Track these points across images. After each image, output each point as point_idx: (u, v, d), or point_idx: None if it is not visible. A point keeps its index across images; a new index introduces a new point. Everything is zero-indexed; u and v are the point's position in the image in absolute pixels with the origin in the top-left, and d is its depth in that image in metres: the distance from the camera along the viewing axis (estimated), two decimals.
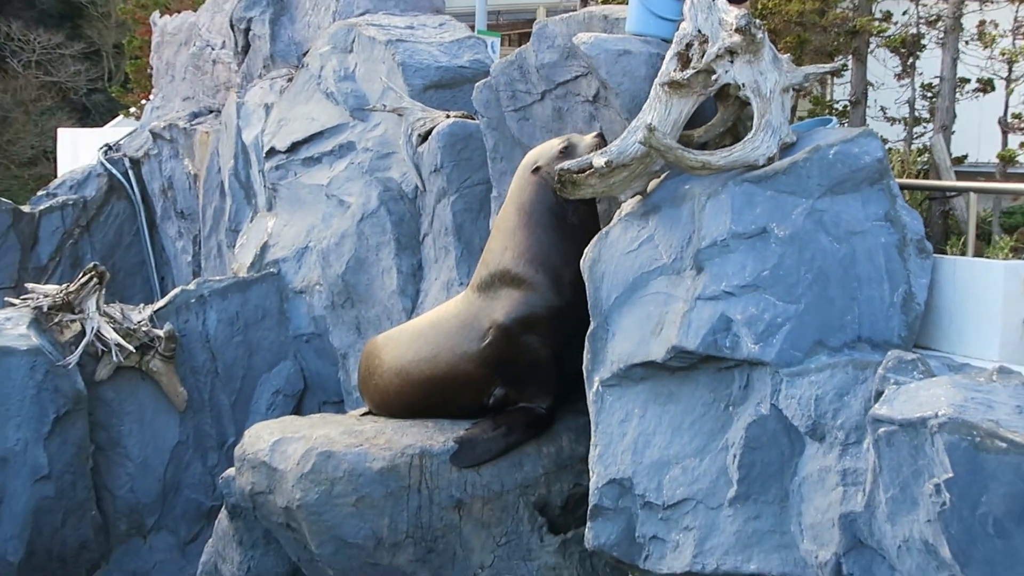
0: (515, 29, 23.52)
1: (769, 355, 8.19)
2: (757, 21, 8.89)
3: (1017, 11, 11.02)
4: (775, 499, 8.20)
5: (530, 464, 10.38)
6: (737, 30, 8.76)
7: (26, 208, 19.69)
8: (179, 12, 22.27)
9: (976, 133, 11.96)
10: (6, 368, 13.14)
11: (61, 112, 41.13)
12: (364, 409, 11.61)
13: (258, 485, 10.72)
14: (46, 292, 14.11)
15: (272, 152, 15.69)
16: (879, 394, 7.59)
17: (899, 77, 11.54)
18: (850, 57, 11.72)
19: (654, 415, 8.80)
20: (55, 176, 23.49)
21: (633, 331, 8.89)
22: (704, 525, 8.41)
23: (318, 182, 14.86)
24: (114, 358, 13.81)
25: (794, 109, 9.76)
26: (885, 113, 11.69)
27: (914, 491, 7.02)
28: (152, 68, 22.53)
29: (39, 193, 20.96)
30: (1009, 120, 11.03)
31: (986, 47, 11.00)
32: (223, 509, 11.85)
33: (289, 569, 11.38)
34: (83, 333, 13.72)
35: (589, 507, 8.97)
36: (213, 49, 19.42)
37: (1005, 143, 11.06)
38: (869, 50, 11.72)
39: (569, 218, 10.10)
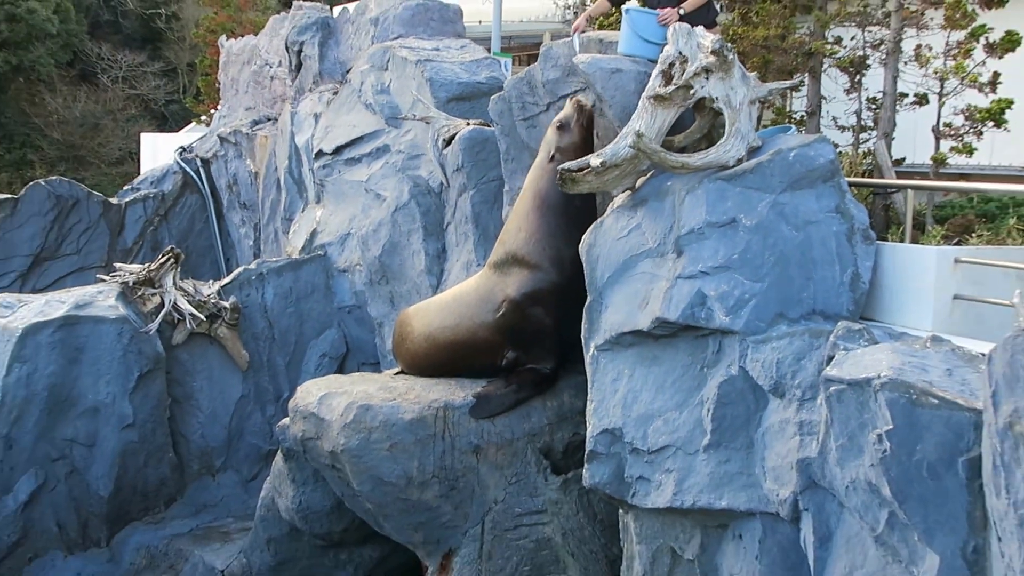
0: (525, 51, 23.40)
1: (738, 325, 8.18)
2: (728, 45, 8.90)
3: (948, 37, 10.96)
4: (742, 446, 8.18)
5: (536, 416, 10.38)
6: (712, 52, 8.77)
7: (114, 200, 19.66)
8: (243, 36, 22.20)
9: (912, 139, 11.89)
10: (98, 334, 13.15)
11: (143, 120, 41.09)
12: (397, 369, 11.60)
13: (308, 432, 10.71)
14: (131, 270, 14.10)
15: (320, 153, 15.65)
16: (831, 358, 7.58)
17: (848, 92, 11.48)
18: (807, 75, 11.67)
19: (641, 375, 8.77)
20: (138, 173, 23.42)
21: (623, 304, 8.87)
22: (682, 468, 8.40)
23: (358, 179, 14.82)
24: (188, 325, 13.81)
25: (760, 119, 9.70)
26: (836, 122, 11.64)
27: (860, 440, 7.00)
28: (220, 83, 22.47)
29: (125, 188, 20.91)
30: (941, 128, 10.98)
31: (922, 67, 10.95)
32: (279, 452, 11.85)
33: (334, 502, 11.39)
34: (162, 305, 13.72)
35: (586, 452, 8.95)
36: (271, 67, 19.37)
37: (937, 148, 11.00)
38: (823, 69, 11.67)
39: (575, 204, 10.08)
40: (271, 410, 14.49)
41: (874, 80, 11.36)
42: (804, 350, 7.96)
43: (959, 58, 10.80)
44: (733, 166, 8.63)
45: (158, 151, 24.34)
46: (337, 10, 18.40)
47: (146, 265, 14.21)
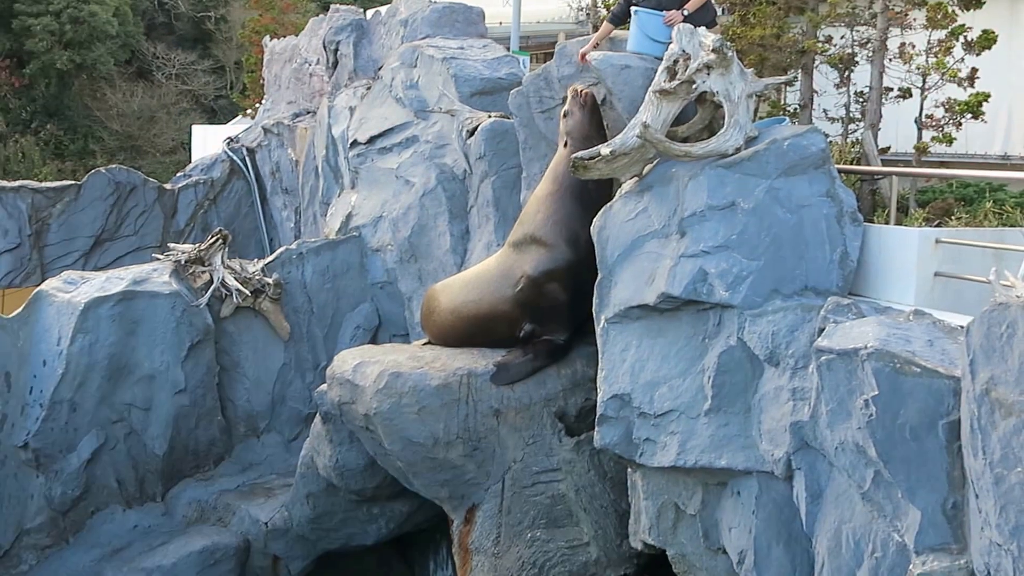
0: (541, 49, 23.30)
1: (736, 300, 8.17)
2: (728, 43, 8.90)
3: (930, 35, 10.89)
4: (740, 411, 8.18)
5: (552, 382, 10.38)
6: (713, 50, 8.75)
7: (168, 186, 19.64)
8: (285, 36, 22.14)
9: (896, 130, 11.84)
10: (153, 307, 13.16)
11: (194, 113, 41.08)
12: (424, 340, 11.59)
13: (344, 397, 10.72)
14: (183, 250, 14.10)
15: (355, 143, 15.60)
16: (821, 330, 7.58)
17: (838, 86, 11.42)
18: (800, 71, 11.60)
19: (647, 346, 8.76)
20: (190, 162, 23.38)
21: (631, 281, 8.86)
22: (685, 430, 8.39)
23: (390, 166, 14.78)
24: (235, 300, 13.80)
25: (756, 111, 9.65)
26: (827, 114, 11.58)
27: (848, 405, 6.98)
28: (264, 79, 22.41)
29: (178, 175, 20.87)
30: (923, 120, 10.93)
31: (906, 63, 10.88)
32: (317, 415, 11.87)
33: (368, 461, 11.40)
34: (211, 281, 13.71)
35: (597, 416, 8.95)
36: (310, 65, 19.31)
37: (920, 137, 10.95)
38: (815, 65, 11.60)
39: (591, 189, 10.04)
40: (310, 377, 14.48)
41: (862, 75, 11.30)
42: (797, 323, 7.95)
43: (940, 55, 10.74)
44: (732, 154, 8.62)
45: (208, 141, 24.35)
46: (370, 12, 18.35)
47: (197, 245, 14.21)
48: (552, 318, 10.40)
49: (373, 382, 10.27)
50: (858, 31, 11.34)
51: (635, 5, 10.25)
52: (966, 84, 10.68)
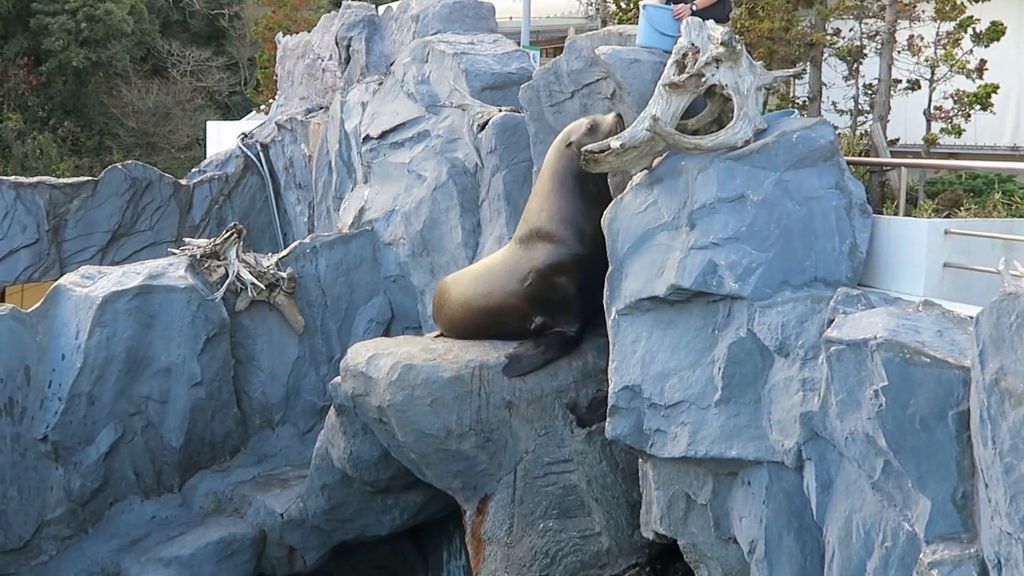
0: (551, 44, 23.22)
1: (746, 291, 8.15)
2: (737, 36, 8.90)
3: (939, 27, 10.84)
4: (751, 401, 8.16)
5: (563, 374, 10.37)
6: (722, 43, 8.73)
7: (183, 181, 19.67)
8: (298, 33, 22.13)
9: (905, 122, 11.79)
10: (169, 301, 13.18)
11: (209, 109, 41.10)
12: (437, 332, 11.58)
13: (358, 389, 10.73)
14: (199, 244, 14.11)
15: (367, 138, 15.59)
16: (831, 321, 7.55)
17: (846, 79, 11.38)
18: (808, 63, 11.55)
19: (658, 337, 8.74)
20: (205, 158, 23.40)
21: (641, 273, 8.84)
22: (696, 421, 8.37)
23: (402, 161, 14.76)
24: (249, 294, 13.81)
25: (765, 103, 9.61)
26: (836, 107, 11.54)
27: (858, 395, 6.95)
28: (277, 76, 22.40)
29: (193, 170, 20.89)
30: (932, 111, 10.89)
31: (914, 55, 10.84)
32: (332, 408, 11.88)
33: (382, 452, 11.41)
34: (226, 275, 13.72)
35: (608, 407, 8.94)
36: (323, 60, 19.30)
37: (928, 129, 10.92)
38: (823, 58, 11.55)
39: (590, 185, 10.06)
40: (324, 370, 14.49)
41: (870, 68, 11.25)
42: (807, 314, 7.92)
43: (948, 47, 10.69)
44: (741, 147, 8.59)
45: (222, 137, 24.35)
46: (382, 8, 18.33)
47: (212, 240, 14.22)
48: (562, 310, 10.40)
49: (386, 374, 10.27)
50: (867, 23, 11.29)
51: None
52: (975, 76, 10.63)
